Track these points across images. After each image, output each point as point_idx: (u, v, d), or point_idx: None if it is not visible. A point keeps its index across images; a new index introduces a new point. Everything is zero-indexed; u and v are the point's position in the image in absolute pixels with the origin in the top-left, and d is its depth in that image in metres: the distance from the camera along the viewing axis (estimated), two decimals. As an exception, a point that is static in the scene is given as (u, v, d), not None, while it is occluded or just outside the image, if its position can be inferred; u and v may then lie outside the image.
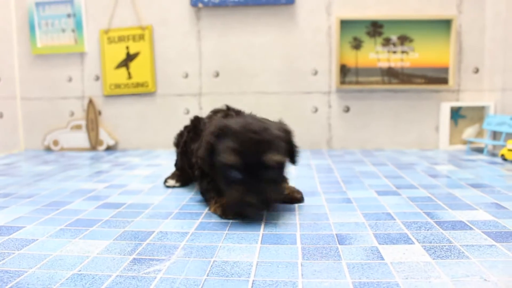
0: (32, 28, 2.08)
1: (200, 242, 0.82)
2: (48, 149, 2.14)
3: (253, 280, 0.65)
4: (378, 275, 0.67)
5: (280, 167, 0.95)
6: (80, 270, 0.70)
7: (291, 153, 1.01)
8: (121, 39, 2.04)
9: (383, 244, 0.80)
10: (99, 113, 2.10)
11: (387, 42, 1.94)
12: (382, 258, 0.73)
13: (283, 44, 1.99)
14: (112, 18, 2.05)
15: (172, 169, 1.44)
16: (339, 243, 0.81)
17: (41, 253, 0.78)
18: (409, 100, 1.98)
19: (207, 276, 0.67)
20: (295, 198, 1.10)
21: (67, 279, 0.66)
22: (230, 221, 0.95)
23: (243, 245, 0.80)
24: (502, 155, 1.64)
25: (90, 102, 2.07)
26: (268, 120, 1.02)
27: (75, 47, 2.07)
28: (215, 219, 0.97)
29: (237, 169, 0.90)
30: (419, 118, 1.99)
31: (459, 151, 1.92)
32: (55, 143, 2.12)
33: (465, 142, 1.98)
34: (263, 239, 0.84)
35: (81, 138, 2.10)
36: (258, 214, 0.96)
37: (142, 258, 0.74)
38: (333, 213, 1.01)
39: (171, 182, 1.30)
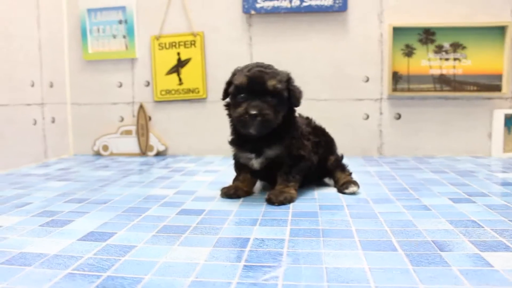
0: (83, 34, 2.12)
1: (302, 249, 0.82)
2: (97, 154, 2.17)
3: (376, 286, 0.66)
4: (496, 282, 0.66)
5: (278, 96, 1.12)
6: (197, 277, 0.70)
7: (292, 92, 1.17)
8: (172, 45, 2.07)
9: (484, 252, 0.79)
10: (149, 118, 2.13)
11: (439, 49, 1.93)
12: (491, 265, 0.73)
13: (334, 51, 1.99)
14: (163, 24, 2.08)
15: (232, 175, 1.36)
16: (439, 250, 0.81)
17: (148, 259, 0.79)
18: (460, 107, 1.97)
19: (328, 282, 0.67)
20: (350, 182, 1.29)
21: (188, 286, 0.67)
22: (321, 227, 0.96)
23: (346, 252, 0.80)
24: None
25: (141, 107, 2.10)
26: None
27: (126, 53, 2.10)
28: (304, 226, 0.97)
29: (244, 91, 1.11)
30: (471, 125, 1.97)
31: (513, 158, 1.90)
32: (105, 148, 2.15)
33: (518, 150, 1.96)
34: (361, 245, 0.84)
35: (131, 143, 2.13)
36: (258, 129, 1.11)
37: (252, 265, 0.75)
38: (418, 220, 1.00)
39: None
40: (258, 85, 1.10)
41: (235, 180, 1.30)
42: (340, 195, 1.27)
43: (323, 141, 1.36)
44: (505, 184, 1.39)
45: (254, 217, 1.06)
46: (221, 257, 0.79)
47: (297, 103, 1.20)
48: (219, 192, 1.30)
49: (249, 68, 1.14)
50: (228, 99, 1.22)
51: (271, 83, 1.11)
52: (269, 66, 1.17)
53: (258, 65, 1.16)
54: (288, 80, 1.18)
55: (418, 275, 0.69)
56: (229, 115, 1.23)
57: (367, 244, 0.85)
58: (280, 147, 1.19)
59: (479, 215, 1.04)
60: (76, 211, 1.13)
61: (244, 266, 0.75)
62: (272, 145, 1.18)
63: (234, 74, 1.19)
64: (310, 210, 1.11)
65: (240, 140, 1.22)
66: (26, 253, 0.83)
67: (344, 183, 1.30)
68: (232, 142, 1.25)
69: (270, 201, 1.17)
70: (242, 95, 1.12)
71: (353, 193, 1.27)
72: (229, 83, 1.20)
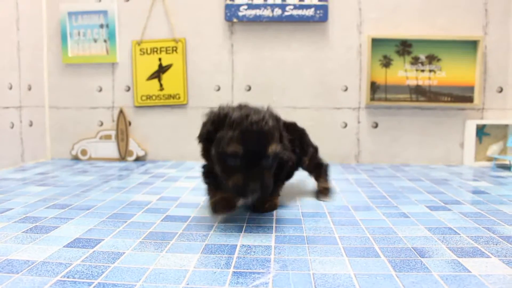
0: (64, 37, 2.10)
1: (288, 255, 0.85)
2: (75, 159, 2.15)
3: (363, 294, 0.68)
4: (474, 286, 0.70)
5: (275, 156, 1.02)
6: (188, 283, 0.72)
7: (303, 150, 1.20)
8: (153, 50, 2.07)
9: (462, 257, 0.83)
10: (129, 123, 2.12)
11: (415, 60, 2.00)
12: (469, 271, 0.77)
13: (314, 60, 2.03)
14: (145, 29, 2.08)
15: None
16: (420, 256, 0.84)
17: (137, 266, 0.79)
18: (435, 117, 2.04)
19: (316, 289, 0.70)
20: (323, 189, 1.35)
21: (180, 291, 0.69)
22: (306, 234, 0.98)
23: (331, 258, 0.83)
24: (531, 173, 1.70)
25: (121, 112, 2.09)
26: (260, 108, 1.07)
27: (106, 57, 2.09)
28: (289, 233, 1.00)
29: (239, 158, 0.96)
30: (445, 135, 2.04)
31: (484, 167, 1.98)
32: (84, 152, 2.13)
33: (489, 159, 2.04)
34: (346, 252, 0.87)
35: (110, 148, 2.12)
36: (255, 197, 1.04)
37: (241, 272, 0.77)
38: (398, 227, 1.04)
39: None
40: (256, 152, 0.96)
41: (215, 193, 1.11)
42: (323, 203, 1.30)
43: (296, 138, 1.31)
44: (476, 192, 1.45)
45: (239, 224, 1.07)
46: (210, 264, 0.80)
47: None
48: (202, 198, 1.31)
49: (240, 126, 0.96)
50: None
51: (271, 148, 0.98)
52: (260, 118, 0.98)
53: (251, 121, 0.97)
54: (279, 126, 1.07)
55: (402, 281, 0.73)
56: (205, 153, 1.11)
57: (351, 250, 0.88)
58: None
59: (455, 222, 1.08)
60: (59, 217, 1.12)
61: (233, 272, 0.76)
62: None
63: (217, 122, 1.03)
64: (293, 217, 1.13)
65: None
66: (12, 259, 0.82)
67: (320, 189, 1.38)
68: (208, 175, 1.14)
69: (255, 209, 1.16)
70: (234, 160, 0.97)
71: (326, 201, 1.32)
72: (208, 132, 1.05)
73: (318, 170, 1.41)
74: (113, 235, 0.97)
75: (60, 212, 1.17)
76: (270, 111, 1.08)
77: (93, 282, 0.72)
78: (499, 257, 0.84)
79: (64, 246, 0.90)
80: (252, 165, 0.96)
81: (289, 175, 1.32)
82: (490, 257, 0.84)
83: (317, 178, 1.42)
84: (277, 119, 1.08)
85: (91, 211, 1.18)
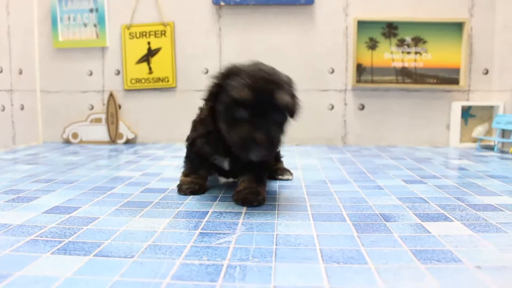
0: (54, 22, 2.12)
1: (256, 220, 0.87)
2: (67, 142, 2.18)
3: (320, 248, 0.71)
4: (431, 244, 0.73)
5: (287, 111, 0.93)
6: (154, 242, 0.75)
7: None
8: (142, 34, 2.09)
9: (425, 222, 0.86)
10: (119, 107, 2.15)
11: (401, 43, 2.02)
12: (429, 232, 0.80)
13: (301, 43, 2.05)
14: (134, 14, 2.10)
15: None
16: (385, 220, 0.87)
17: (109, 228, 0.82)
18: (421, 99, 2.06)
19: (276, 245, 0.73)
20: (285, 170, 1.30)
21: (145, 248, 0.71)
22: (278, 203, 1.01)
23: (298, 222, 0.86)
24: (513, 152, 1.72)
25: (111, 96, 2.12)
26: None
27: (96, 41, 2.12)
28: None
29: (246, 107, 0.88)
30: (431, 117, 2.06)
31: (469, 148, 2.00)
32: (75, 135, 2.16)
33: (474, 140, 2.06)
34: (313, 217, 0.89)
35: (100, 131, 2.14)
36: (264, 156, 0.91)
37: (208, 232, 0.79)
38: (370, 197, 1.07)
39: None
40: (266, 101, 0.88)
41: (189, 173, 1.12)
42: (302, 178, 1.33)
43: None
44: (455, 168, 1.47)
45: (214, 194, 1.10)
46: (179, 226, 0.83)
47: (295, 115, 0.99)
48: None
49: (251, 75, 0.89)
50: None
51: (282, 98, 0.89)
52: (273, 71, 0.93)
53: (261, 69, 0.91)
54: (293, 91, 0.97)
55: (361, 240, 0.75)
56: (211, 117, 1.01)
57: (318, 216, 0.90)
58: None
59: (427, 193, 1.11)
60: (42, 189, 1.15)
61: (200, 233, 0.79)
62: None
63: (226, 75, 0.94)
64: (270, 189, 1.16)
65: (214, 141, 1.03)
66: (-10, 224, 0.85)
67: (279, 170, 1.30)
68: (204, 140, 1.06)
69: (246, 201, 0.99)
70: (242, 111, 0.89)
71: (287, 180, 1.28)
72: (218, 86, 0.95)
73: (276, 156, 1.33)
74: (91, 204, 1.00)
75: (44, 185, 1.20)
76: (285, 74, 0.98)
77: (63, 241, 0.75)
78: (461, 221, 0.86)
79: (42, 213, 0.93)
80: (261, 117, 0.88)
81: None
82: (453, 221, 0.87)
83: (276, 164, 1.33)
84: (290, 79, 0.99)
85: (74, 185, 1.21)
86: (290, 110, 0.93)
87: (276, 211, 0.94)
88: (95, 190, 1.15)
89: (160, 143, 2.16)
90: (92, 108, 2.17)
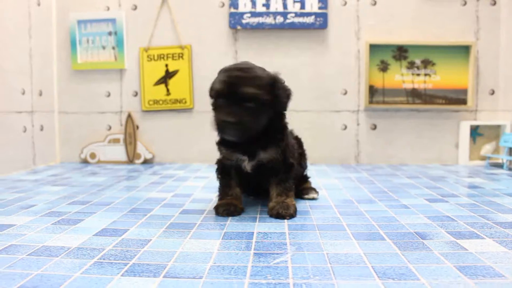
0: (73, 44, 2.18)
1: (301, 239, 0.93)
2: (84, 162, 2.22)
3: (372, 266, 0.76)
4: (471, 261, 0.79)
5: (257, 101, 1.08)
6: (215, 262, 0.79)
7: (277, 97, 1.12)
8: (160, 57, 2.16)
9: (459, 239, 0.92)
10: (137, 127, 2.20)
11: (411, 65, 2.10)
12: (466, 249, 0.86)
13: (315, 65, 2.13)
14: (152, 37, 2.16)
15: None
16: (422, 239, 0.93)
17: (165, 250, 0.87)
18: (431, 119, 2.13)
19: (330, 264, 0.78)
20: (310, 189, 1.38)
21: (209, 269, 0.76)
22: (315, 223, 1.06)
23: (342, 241, 0.91)
24: (523, 170, 1.80)
25: (129, 116, 2.17)
26: (262, 68, 1.14)
27: (115, 63, 2.17)
28: (300, 222, 1.08)
29: (222, 96, 1.08)
30: (440, 136, 2.14)
31: (478, 166, 2.07)
32: (92, 155, 2.20)
33: (483, 158, 2.13)
34: (354, 236, 0.95)
35: (118, 151, 2.19)
36: (235, 135, 1.10)
37: (262, 253, 0.84)
38: (400, 216, 1.13)
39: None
40: (235, 91, 1.06)
41: (223, 196, 1.21)
42: (328, 197, 1.38)
43: (302, 152, 1.37)
44: (471, 187, 1.54)
45: (252, 215, 1.15)
46: (232, 247, 0.88)
47: (283, 108, 1.16)
48: (215, 195, 1.38)
49: (228, 71, 1.10)
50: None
51: (247, 90, 1.06)
52: (251, 68, 1.11)
53: (238, 68, 1.10)
54: (273, 83, 1.12)
55: (406, 257, 0.81)
56: None
57: (358, 235, 0.96)
58: (275, 150, 1.15)
59: (452, 211, 1.17)
60: (82, 211, 1.19)
61: (254, 253, 0.84)
62: (267, 148, 1.14)
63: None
64: (302, 209, 1.21)
65: (231, 141, 1.15)
66: (48, 246, 0.89)
67: (305, 189, 1.37)
68: (221, 143, 1.19)
69: (279, 215, 1.12)
70: (220, 100, 1.10)
71: (313, 199, 1.35)
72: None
73: (305, 177, 1.43)
74: (137, 226, 1.05)
75: (82, 207, 1.24)
76: (272, 73, 1.15)
77: (128, 263, 0.79)
78: (493, 238, 0.92)
79: (93, 235, 0.97)
80: (234, 105, 1.07)
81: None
82: (485, 239, 0.92)
83: (302, 183, 1.41)
84: (271, 75, 1.13)
85: (111, 207, 1.25)
86: (257, 100, 1.08)
87: (317, 231, 0.99)
88: (134, 212, 1.19)
89: (177, 163, 2.20)
90: (110, 128, 2.22)
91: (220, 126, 1.09)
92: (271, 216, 1.14)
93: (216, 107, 1.12)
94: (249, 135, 1.11)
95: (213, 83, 1.12)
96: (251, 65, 1.13)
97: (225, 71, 1.11)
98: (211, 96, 1.14)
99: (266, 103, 1.10)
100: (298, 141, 1.38)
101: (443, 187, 1.54)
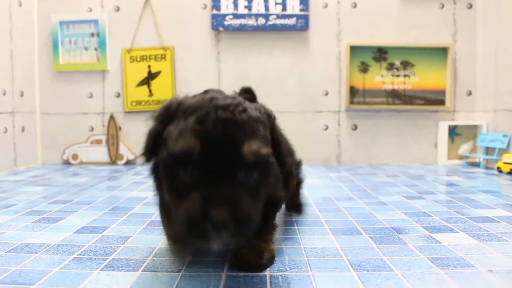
0: (55, 45, 2.17)
1: (280, 235, 0.94)
2: (67, 163, 2.21)
3: (348, 259, 0.79)
4: (444, 253, 0.82)
5: (263, 165, 0.61)
6: (194, 257, 0.81)
7: (275, 146, 0.67)
8: (143, 58, 2.16)
9: (434, 233, 0.95)
10: (120, 128, 2.19)
11: (391, 66, 2.14)
12: (439, 242, 0.88)
13: (296, 67, 2.16)
14: (134, 38, 2.17)
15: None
16: (397, 233, 0.95)
17: (145, 246, 0.88)
18: (410, 119, 2.18)
19: (307, 257, 0.80)
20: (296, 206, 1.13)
21: (188, 264, 0.78)
22: (295, 219, 1.08)
23: (319, 236, 0.93)
24: (498, 168, 1.84)
25: (112, 117, 2.17)
26: (246, 100, 0.66)
27: (97, 65, 2.17)
28: (279, 218, 1.09)
29: (195, 164, 0.57)
30: (419, 136, 2.18)
31: (456, 165, 2.12)
32: (74, 157, 2.19)
33: (461, 158, 2.18)
34: (332, 231, 0.97)
35: (100, 153, 2.18)
36: (223, 243, 0.60)
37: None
38: (378, 212, 1.15)
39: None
40: (227, 153, 0.57)
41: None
42: (309, 195, 1.40)
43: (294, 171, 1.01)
44: (448, 184, 1.58)
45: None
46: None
47: (286, 164, 0.72)
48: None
49: (203, 110, 0.59)
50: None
51: (250, 147, 0.58)
52: (237, 103, 0.61)
53: (222, 105, 0.60)
54: (272, 128, 0.68)
55: (382, 251, 0.83)
56: (157, 186, 0.77)
57: (336, 230, 0.98)
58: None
59: (428, 207, 1.20)
60: (63, 210, 1.19)
61: (233, 248, 0.85)
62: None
63: (163, 117, 0.66)
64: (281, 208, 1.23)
65: None
66: (28, 243, 0.90)
67: (292, 207, 1.16)
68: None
69: (247, 266, 0.73)
70: (189, 170, 0.58)
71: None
72: (155, 137, 0.67)
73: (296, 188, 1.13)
74: (118, 223, 1.06)
75: (63, 206, 1.24)
76: (260, 105, 0.70)
77: (107, 258, 0.80)
78: (466, 232, 0.95)
79: (74, 232, 0.98)
80: (220, 179, 0.57)
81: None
82: (458, 232, 0.95)
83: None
84: (268, 114, 0.69)
85: (92, 205, 1.26)
86: (265, 165, 0.61)
87: (296, 227, 1.01)
88: (115, 210, 1.20)
89: (160, 164, 2.20)
90: (92, 129, 2.21)
91: (197, 229, 0.56)
92: (231, 265, 0.74)
93: (174, 183, 0.60)
94: (249, 235, 0.65)
95: (174, 138, 0.59)
96: (238, 100, 0.62)
97: (197, 109, 0.59)
98: (168, 162, 0.59)
99: (272, 165, 0.65)
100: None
101: (421, 185, 1.57)
